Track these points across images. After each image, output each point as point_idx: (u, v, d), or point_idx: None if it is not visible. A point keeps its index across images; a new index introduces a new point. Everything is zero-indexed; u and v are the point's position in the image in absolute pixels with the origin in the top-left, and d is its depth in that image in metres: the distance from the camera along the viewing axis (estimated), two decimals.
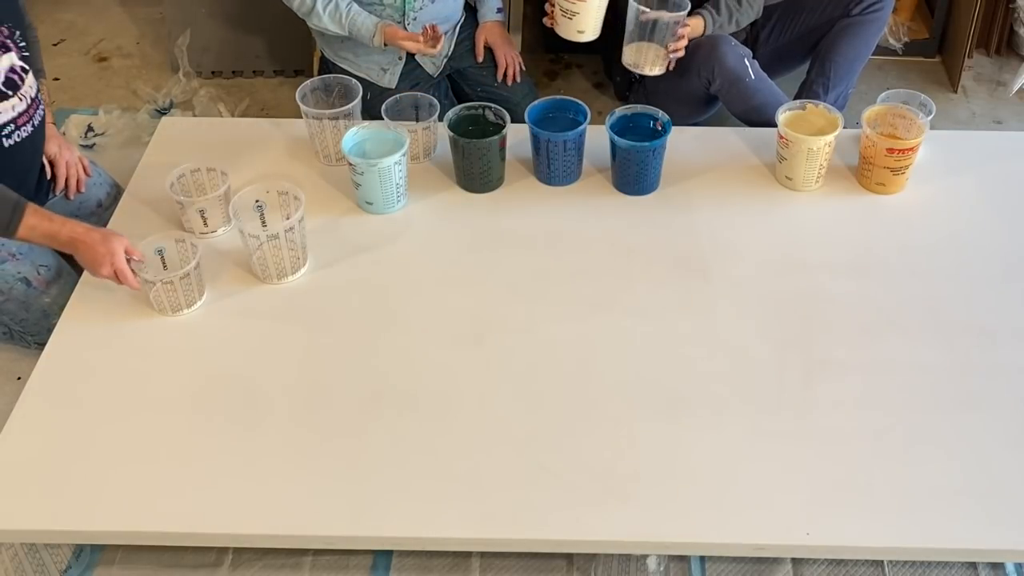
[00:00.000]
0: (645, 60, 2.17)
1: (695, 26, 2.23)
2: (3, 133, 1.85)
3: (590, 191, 2.06)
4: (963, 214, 1.99)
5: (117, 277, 1.75)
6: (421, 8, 2.32)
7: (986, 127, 2.73)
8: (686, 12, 2.12)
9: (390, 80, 2.38)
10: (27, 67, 1.90)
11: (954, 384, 1.66)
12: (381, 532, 1.48)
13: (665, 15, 2.10)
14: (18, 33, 1.88)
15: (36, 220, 1.73)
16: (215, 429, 1.60)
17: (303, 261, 1.87)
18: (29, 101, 1.90)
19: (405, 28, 2.32)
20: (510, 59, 2.48)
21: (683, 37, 2.14)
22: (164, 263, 1.82)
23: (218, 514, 1.49)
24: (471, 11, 2.50)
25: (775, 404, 1.63)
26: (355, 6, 2.27)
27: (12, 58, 1.86)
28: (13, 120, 1.86)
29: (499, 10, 2.50)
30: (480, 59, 2.47)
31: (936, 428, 1.60)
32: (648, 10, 2.09)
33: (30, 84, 1.90)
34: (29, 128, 1.91)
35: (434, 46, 2.25)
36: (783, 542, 1.48)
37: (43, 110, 1.97)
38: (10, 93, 1.85)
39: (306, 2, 2.25)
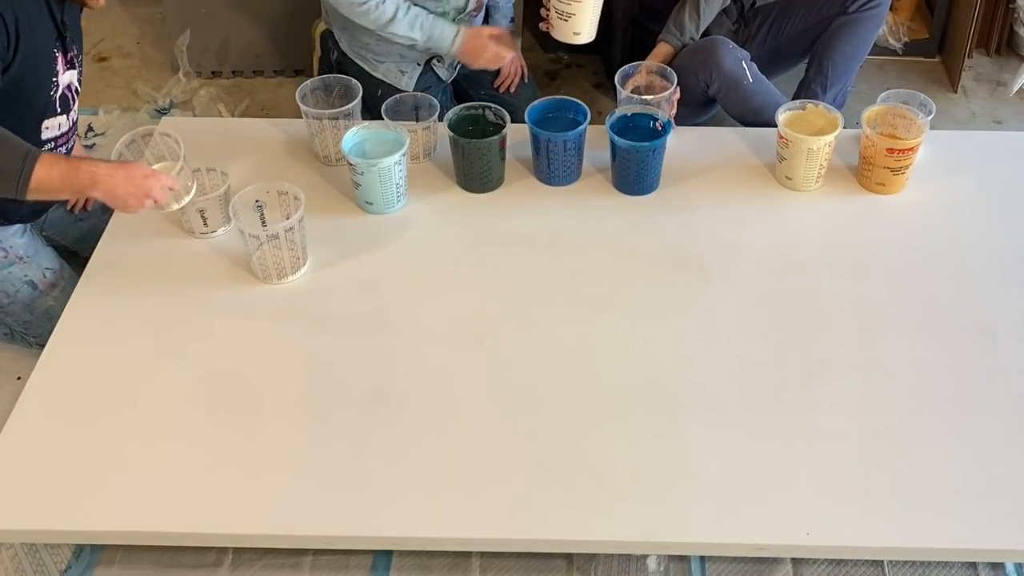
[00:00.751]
0: None
1: (663, 54, 2.29)
2: (44, 150, 1.86)
3: (590, 191, 2.06)
4: (963, 214, 1.99)
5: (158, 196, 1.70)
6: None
7: (986, 127, 2.73)
8: (676, 84, 2.11)
9: (407, 83, 2.37)
10: (79, 89, 1.91)
11: (954, 384, 1.66)
12: (381, 532, 1.48)
13: (662, 96, 2.08)
14: (80, 56, 1.90)
15: (52, 159, 1.62)
16: (215, 429, 1.60)
17: (303, 261, 1.87)
18: (71, 123, 1.92)
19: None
20: (514, 68, 2.49)
21: (675, 103, 2.13)
22: None
23: (218, 514, 1.49)
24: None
25: (775, 404, 1.63)
26: (430, 15, 2.24)
27: (73, 76, 1.87)
28: (55, 139, 1.88)
29: (511, 20, 2.51)
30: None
31: (936, 428, 1.60)
32: (648, 98, 2.07)
33: (76, 108, 1.92)
34: (63, 150, 1.92)
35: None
36: (783, 542, 1.48)
37: (76, 134, 1.98)
38: (60, 111, 1.86)
39: (386, 12, 2.19)
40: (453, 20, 2.28)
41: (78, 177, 1.63)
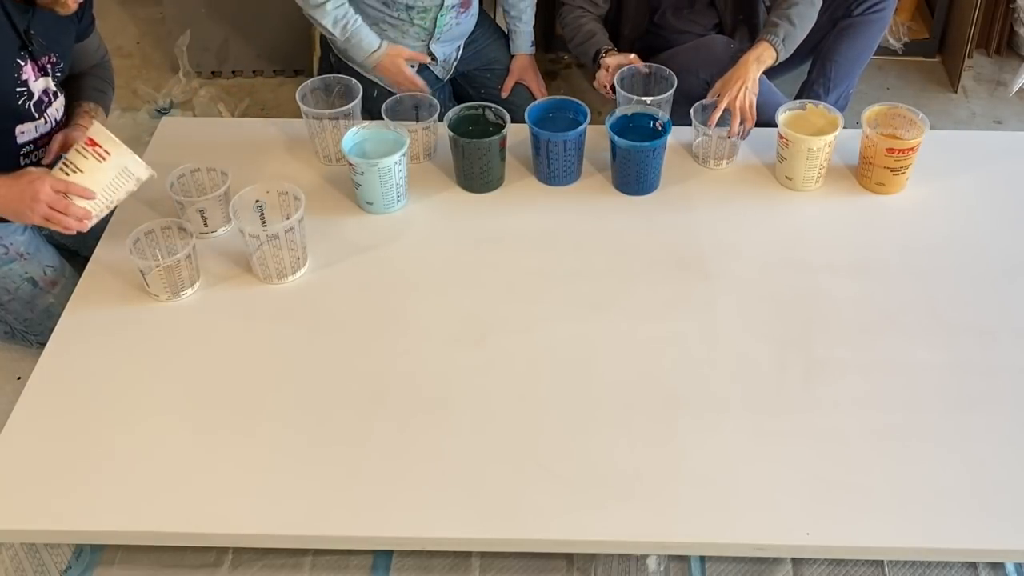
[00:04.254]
0: None
1: (765, 53, 2.14)
2: (22, 152, 1.86)
3: (590, 191, 2.06)
4: (963, 214, 1.99)
5: (56, 213, 1.65)
6: (448, 30, 2.33)
7: (986, 127, 2.73)
8: (675, 86, 2.10)
9: None
10: (58, 91, 1.91)
11: (954, 384, 1.66)
12: (381, 532, 1.49)
13: (662, 98, 2.08)
14: (62, 64, 1.89)
15: None
16: (215, 429, 1.60)
17: (303, 261, 1.87)
18: (52, 126, 1.90)
19: (429, 48, 2.33)
20: (541, 94, 2.50)
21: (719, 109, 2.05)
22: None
23: (218, 514, 1.49)
24: (480, 13, 2.49)
25: (775, 404, 1.63)
26: (361, 21, 2.26)
27: (48, 82, 1.86)
28: (33, 141, 1.87)
29: (532, 43, 2.51)
30: (506, 95, 2.48)
31: (936, 428, 1.60)
32: (647, 99, 2.05)
33: (57, 107, 1.90)
34: (43, 151, 1.91)
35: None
36: (783, 542, 1.48)
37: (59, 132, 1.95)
38: (36, 115, 1.85)
39: None
40: (436, 15, 2.28)
41: None
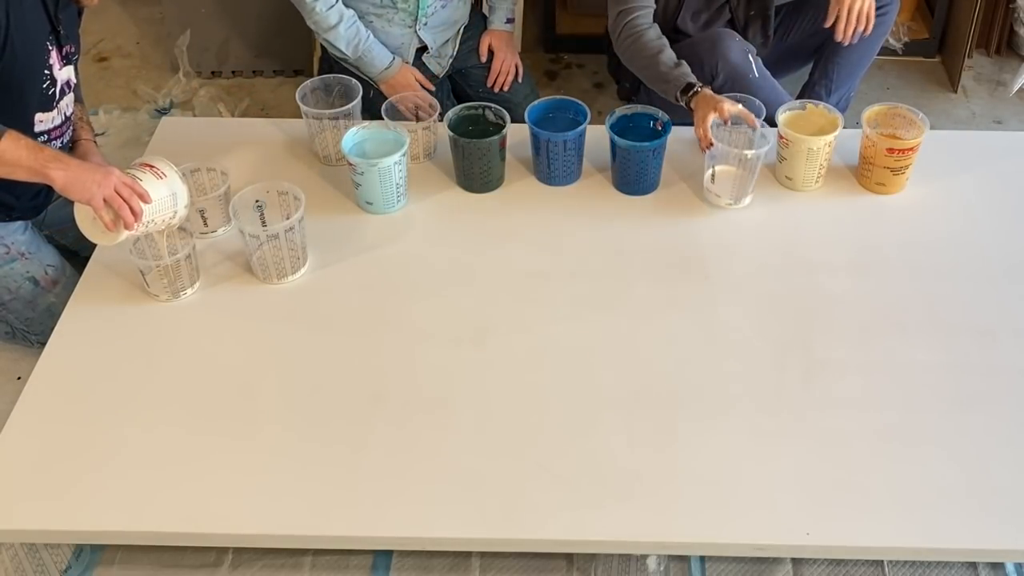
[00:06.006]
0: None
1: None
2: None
3: (590, 191, 2.06)
4: (963, 214, 1.99)
5: (119, 197, 1.68)
6: (433, 13, 2.33)
7: (986, 127, 2.73)
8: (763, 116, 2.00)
9: None
10: (76, 84, 1.93)
11: (953, 384, 1.66)
12: (381, 532, 1.49)
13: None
14: (77, 56, 1.92)
15: (20, 135, 1.67)
16: (215, 429, 1.60)
17: (303, 261, 1.87)
18: (63, 119, 1.92)
19: (416, 33, 2.34)
20: (507, 66, 2.48)
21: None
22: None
23: (218, 514, 1.49)
24: (477, 13, 2.50)
25: (775, 404, 1.63)
26: (372, 37, 2.30)
27: (70, 72, 1.89)
28: (48, 131, 1.88)
29: (508, 20, 2.50)
30: (484, 59, 2.48)
31: (936, 428, 1.60)
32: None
33: (68, 102, 1.92)
34: (58, 143, 1.92)
35: (429, 115, 2.15)
36: (783, 542, 1.48)
37: (72, 131, 1.97)
38: (52, 106, 1.87)
39: (329, 19, 2.24)
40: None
41: (43, 155, 1.68)
